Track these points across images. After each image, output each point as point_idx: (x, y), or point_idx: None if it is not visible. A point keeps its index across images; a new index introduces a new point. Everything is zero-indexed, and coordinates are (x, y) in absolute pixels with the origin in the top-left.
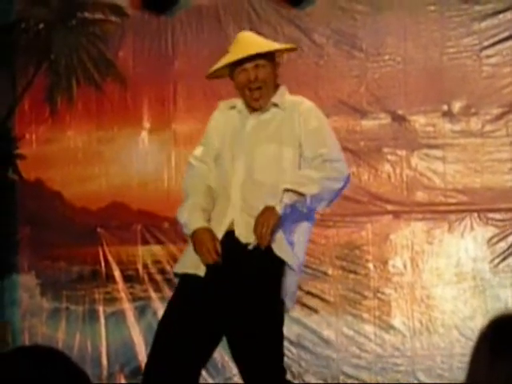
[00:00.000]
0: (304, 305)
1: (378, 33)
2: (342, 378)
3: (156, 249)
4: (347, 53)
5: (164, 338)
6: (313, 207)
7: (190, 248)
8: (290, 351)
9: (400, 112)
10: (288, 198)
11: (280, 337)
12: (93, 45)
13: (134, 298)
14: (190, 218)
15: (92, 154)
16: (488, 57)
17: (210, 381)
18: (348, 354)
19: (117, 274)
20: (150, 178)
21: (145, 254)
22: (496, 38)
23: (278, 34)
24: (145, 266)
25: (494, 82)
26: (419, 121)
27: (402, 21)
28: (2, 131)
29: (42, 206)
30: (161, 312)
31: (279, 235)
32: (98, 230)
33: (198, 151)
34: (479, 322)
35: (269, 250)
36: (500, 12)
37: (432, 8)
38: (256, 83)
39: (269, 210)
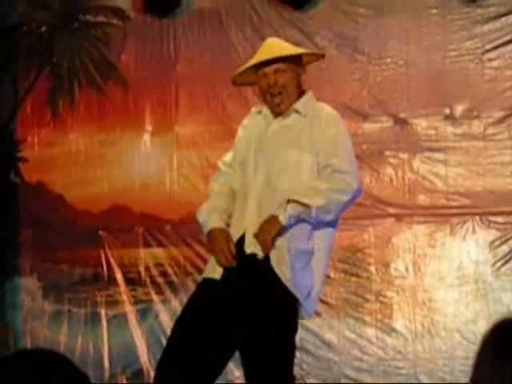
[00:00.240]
0: None
1: (380, 36)
2: (343, 381)
3: (158, 252)
4: (349, 56)
5: (174, 342)
6: (320, 219)
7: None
8: None
9: (402, 115)
10: (292, 209)
11: (291, 345)
12: (95, 48)
13: (135, 301)
14: (208, 219)
15: (94, 157)
16: (490, 60)
17: None
18: (350, 357)
19: (119, 276)
20: (152, 180)
21: (147, 256)
22: (498, 42)
23: (279, 37)
24: (147, 269)
25: (496, 85)
26: (421, 124)
27: (404, 24)
28: (4, 134)
29: (44, 208)
30: (162, 315)
31: (282, 253)
32: (100, 232)
33: (227, 156)
34: (481, 326)
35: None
36: (502, 15)
37: (434, 11)
38: (276, 88)
39: (272, 219)
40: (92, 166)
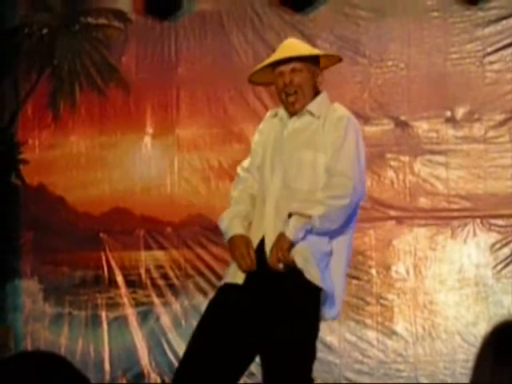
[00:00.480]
0: None
1: (382, 39)
2: None
3: (159, 254)
4: (350, 59)
5: (197, 346)
6: (325, 228)
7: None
8: None
9: (403, 118)
10: (295, 222)
11: (312, 349)
12: (96, 50)
13: (136, 303)
14: (229, 225)
15: (95, 159)
16: (491, 63)
17: None
18: (350, 360)
19: (119, 279)
20: (153, 183)
21: (147, 259)
22: (499, 44)
23: (280, 40)
24: (147, 272)
25: (497, 88)
26: (422, 127)
27: (406, 27)
28: (5, 136)
29: (45, 210)
30: (163, 317)
31: (308, 256)
32: (101, 235)
33: (245, 162)
34: (482, 328)
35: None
36: (503, 18)
37: (435, 14)
38: (291, 87)
39: (279, 236)
40: (93, 168)
